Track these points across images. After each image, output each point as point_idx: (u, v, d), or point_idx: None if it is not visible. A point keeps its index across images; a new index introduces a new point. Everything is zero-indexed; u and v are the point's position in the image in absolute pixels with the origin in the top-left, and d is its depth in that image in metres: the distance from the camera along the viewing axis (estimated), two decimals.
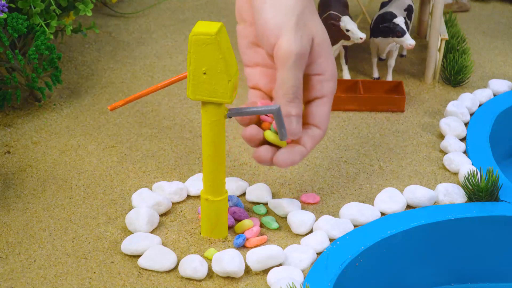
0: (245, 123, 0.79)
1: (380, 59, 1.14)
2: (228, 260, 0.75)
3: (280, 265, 0.77)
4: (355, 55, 1.16)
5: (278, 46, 0.77)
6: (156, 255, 0.77)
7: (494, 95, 1.06)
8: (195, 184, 0.87)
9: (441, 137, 0.98)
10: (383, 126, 1.01)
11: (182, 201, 0.86)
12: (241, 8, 0.83)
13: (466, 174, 0.86)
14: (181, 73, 0.95)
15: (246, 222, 0.81)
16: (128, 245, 0.78)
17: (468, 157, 0.93)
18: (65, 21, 1.07)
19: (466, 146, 0.95)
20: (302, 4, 0.79)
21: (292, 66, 0.77)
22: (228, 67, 0.72)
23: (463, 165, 0.90)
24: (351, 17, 1.04)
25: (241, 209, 0.83)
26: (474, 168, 0.87)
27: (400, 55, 1.16)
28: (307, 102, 0.82)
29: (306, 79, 0.81)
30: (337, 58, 1.11)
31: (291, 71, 0.77)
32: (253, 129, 0.78)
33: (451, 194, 0.86)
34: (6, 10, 0.94)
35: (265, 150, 0.78)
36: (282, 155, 0.78)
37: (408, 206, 0.86)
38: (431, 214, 0.83)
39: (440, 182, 0.89)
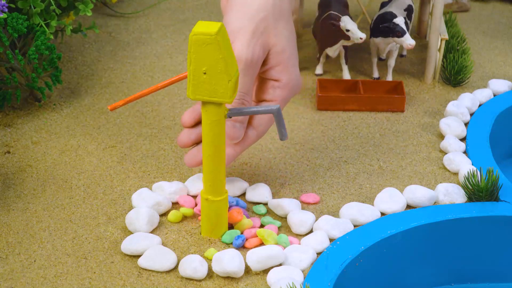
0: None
1: (380, 59, 1.14)
2: (228, 260, 0.75)
3: (280, 265, 0.77)
4: (355, 55, 1.16)
5: None
6: (156, 255, 0.77)
7: (494, 95, 1.06)
8: (195, 184, 0.87)
9: (441, 137, 0.98)
10: (383, 126, 1.01)
11: None
12: (221, 4, 0.87)
13: (466, 174, 0.86)
14: (181, 73, 0.95)
15: (245, 221, 0.81)
16: (128, 245, 0.78)
17: (468, 157, 0.93)
18: (65, 21, 1.07)
19: (466, 146, 0.95)
20: (266, 10, 0.81)
21: (241, 71, 0.81)
22: (228, 67, 0.72)
23: (463, 165, 0.90)
24: (351, 17, 1.04)
25: (242, 209, 0.83)
26: (474, 168, 0.87)
27: (400, 55, 1.16)
28: (258, 102, 0.85)
29: (263, 81, 0.85)
30: (337, 58, 1.11)
31: (239, 76, 0.79)
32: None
33: (451, 194, 0.86)
34: (6, 10, 0.94)
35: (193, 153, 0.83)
36: None
37: (408, 206, 0.86)
38: (431, 214, 0.83)
39: (440, 182, 0.89)
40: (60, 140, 0.96)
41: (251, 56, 0.80)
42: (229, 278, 0.76)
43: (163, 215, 0.84)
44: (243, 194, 0.87)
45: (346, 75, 1.09)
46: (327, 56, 1.09)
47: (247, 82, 0.81)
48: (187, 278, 0.76)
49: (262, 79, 0.85)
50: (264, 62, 0.83)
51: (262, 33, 0.81)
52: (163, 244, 0.80)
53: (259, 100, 0.85)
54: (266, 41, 0.81)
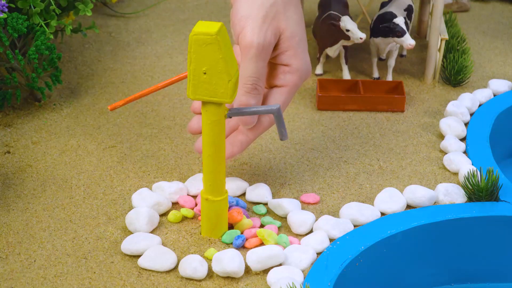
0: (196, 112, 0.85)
1: (380, 59, 1.14)
2: (228, 260, 0.75)
3: (280, 265, 0.77)
4: (355, 55, 1.16)
5: (242, 36, 0.80)
6: (156, 255, 0.77)
7: (494, 95, 1.06)
8: (195, 184, 0.87)
9: (441, 137, 0.98)
10: (383, 126, 1.01)
11: None
12: None
13: (466, 174, 0.86)
14: (181, 73, 0.95)
15: (245, 221, 0.81)
16: (128, 245, 0.78)
17: (468, 157, 0.93)
18: (65, 21, 1.07)
19: (466, 146, 0.95)
20: None
21: (253, 57, 0.80)
22: (228, 67, 0.72)
23: (463, 165, 0.90)
24: (351, 17, 1.04)
25: (242, 209, 0.83)
26: (474, 168, 0.87)
27: (400, 55, 1.16)
28: (269, 88, 0.85)
29: (273, 67, 0.85)
30: (337, 58, 1.11)
31: (251, 61, 0.80)
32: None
33: (451, 194, 0.86)
34: (6, 10, 0.94)
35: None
36: None
37: (408, 206, 0.86)
38: (431, 214, 0.83)
39: (440, 182, 0.89)
40: (60, 140, 0.96)
41: (262, 41, 0.80)
42: (229, 278, 0.76)
43: (163, 215, 0.84)
44: (243, 194, 0.87)
45: (346, 75, 1.09)
46: (327, 56, 1.09)
47: (259, 67, 0.80)
48: (187, 278, 0.76)
49: (273, 65, 0.85)
50: (275, 48, 0.83)
51: (272, 19, 0.81)
52: (163, 244, 0.80)
53: (270, 86, 0.85)
54: (276, 26, 0.81)
